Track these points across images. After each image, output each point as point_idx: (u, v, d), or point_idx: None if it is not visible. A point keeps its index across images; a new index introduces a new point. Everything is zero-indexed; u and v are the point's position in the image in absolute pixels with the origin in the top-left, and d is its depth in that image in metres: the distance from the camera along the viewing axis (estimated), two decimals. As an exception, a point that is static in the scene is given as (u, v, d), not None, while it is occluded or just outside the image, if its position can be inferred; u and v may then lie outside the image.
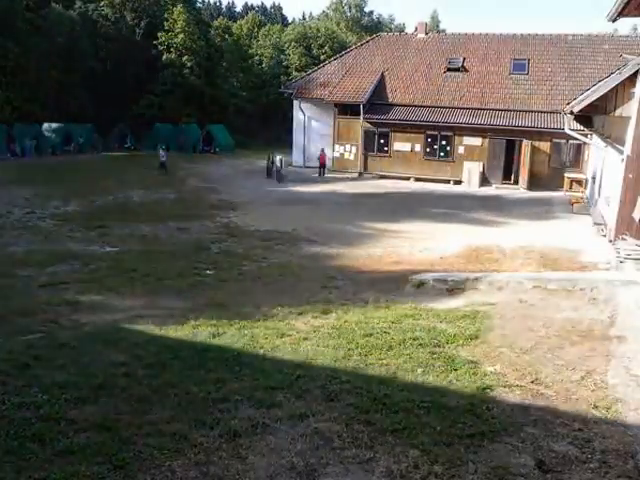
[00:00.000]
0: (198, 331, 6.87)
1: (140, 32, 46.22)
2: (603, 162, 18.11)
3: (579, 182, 25.05)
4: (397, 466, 3.91)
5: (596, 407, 4.74)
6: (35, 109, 36.10)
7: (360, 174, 30.01)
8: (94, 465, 3.84)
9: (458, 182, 28.02)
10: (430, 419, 4.49)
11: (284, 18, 78.86)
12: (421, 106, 29.44)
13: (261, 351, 5.98)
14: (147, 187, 23.73)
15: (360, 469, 3.91)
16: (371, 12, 74.48)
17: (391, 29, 69.05)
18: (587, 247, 13.57)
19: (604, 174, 17.79)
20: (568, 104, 21.25)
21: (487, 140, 28.02)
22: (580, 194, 22.79)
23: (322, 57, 51.05)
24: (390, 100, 30.21)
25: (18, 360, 5.57)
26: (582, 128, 21.20)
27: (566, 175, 25.59)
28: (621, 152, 12.96)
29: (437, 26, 69.75)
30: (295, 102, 32.53)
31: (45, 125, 36.09)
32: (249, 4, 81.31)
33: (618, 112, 14.25)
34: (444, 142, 28.87)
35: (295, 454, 4.06)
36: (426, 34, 34.15)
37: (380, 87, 30.77)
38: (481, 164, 27.82)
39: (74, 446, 4.06)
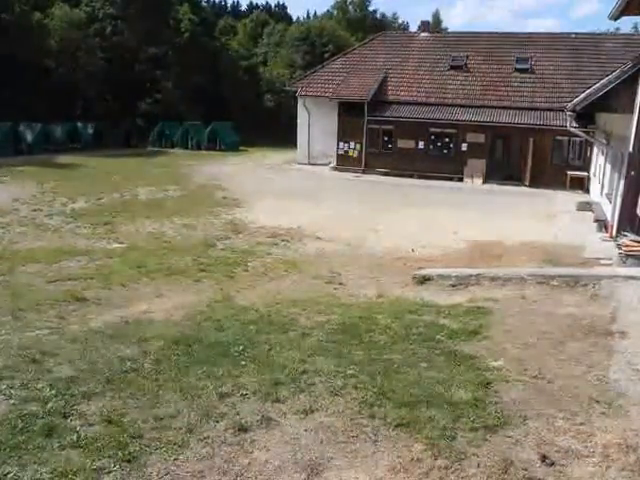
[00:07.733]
0: (204, 326, 6.90)
1: (145, 31, 46.24)
2: (605, 159, 18.11)
3: (581, 179, 25.04)
4: (401, 460, 3.95)
5: (598, 402, 4.78)
6: (41, 107, 36.14)
7: (364, 171, 30.03)
8: (101, 459, 3.89)
9: (461, 179, 28.01)
10: (433, 413, 4.53)
11: (288, 17, 78.78)
12: (425, 104, 29.42)
13: (266, 346, 6.02)
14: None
15: (364, 463, 3.95)
16: (374, 11, 74.48)
17: (395, 28, 68.93)
18: (589, 243, 13.57)
19: (606, 171, 17.78)
20: (571, 102, 21.22)
21: (490, 137, 28.02)
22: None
23: (326, 55, 50.92)
24: (394, 98, 30.19)
25: (27, 355, 5.62)
26: (585, 126, 21.19)
27: (569, 173, 25.57)
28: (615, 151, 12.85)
29: (439, 25, 69.63)
30: (299, 100, 32.54)
31: (51, 123, 36.14)
32: (254, 3, 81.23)
33: (620, 110, 14.25)
34: (447, 139, 28.84)
35: (300, 448, 4.11)
36: (430, 32, 34.14)
37: (384, 85, 30.74)
38: (484, 161, 27.83)
39: (81, 440, 4.10)
